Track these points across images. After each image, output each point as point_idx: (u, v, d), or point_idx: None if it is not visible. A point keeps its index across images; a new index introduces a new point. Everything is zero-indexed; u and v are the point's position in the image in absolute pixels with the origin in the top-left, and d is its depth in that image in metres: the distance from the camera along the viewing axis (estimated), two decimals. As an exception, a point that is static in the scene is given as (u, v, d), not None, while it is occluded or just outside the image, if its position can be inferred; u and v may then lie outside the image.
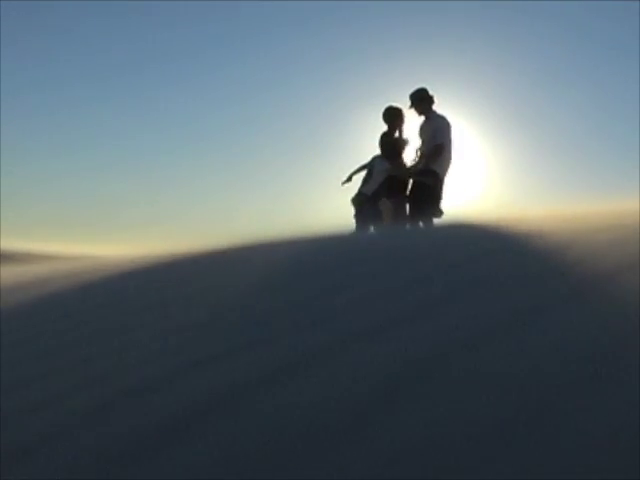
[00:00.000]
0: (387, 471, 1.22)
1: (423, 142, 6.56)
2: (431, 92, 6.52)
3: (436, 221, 6.40)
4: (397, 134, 6.67)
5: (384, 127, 6.73)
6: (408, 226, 6.20)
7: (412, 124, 6.69)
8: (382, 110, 6.70)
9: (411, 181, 6.48)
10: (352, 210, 6.73)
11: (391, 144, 6.60)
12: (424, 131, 6.58)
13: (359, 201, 6.60)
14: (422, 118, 6.61)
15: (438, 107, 6.58)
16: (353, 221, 6.69)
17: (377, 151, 6.81)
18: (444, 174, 6.35)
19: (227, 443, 1.44)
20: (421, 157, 6.48)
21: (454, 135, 6.48)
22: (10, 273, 6.78)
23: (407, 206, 6.43)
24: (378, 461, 1.24)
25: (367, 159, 6.89)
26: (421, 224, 6.23)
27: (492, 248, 2.98)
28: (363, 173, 6.82)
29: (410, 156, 6.60)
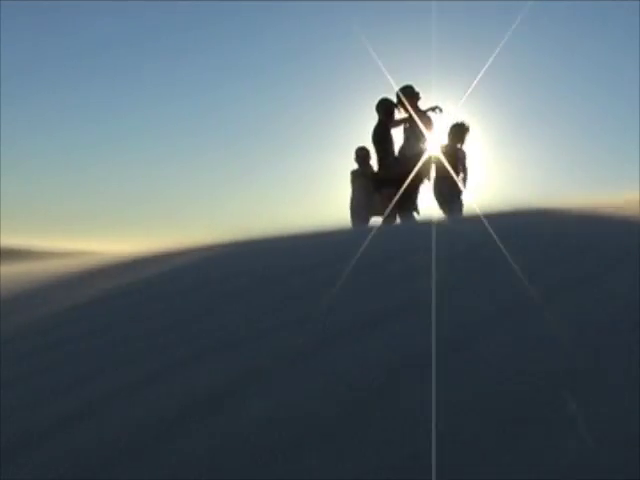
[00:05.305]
0: (376, 464, 1.23)
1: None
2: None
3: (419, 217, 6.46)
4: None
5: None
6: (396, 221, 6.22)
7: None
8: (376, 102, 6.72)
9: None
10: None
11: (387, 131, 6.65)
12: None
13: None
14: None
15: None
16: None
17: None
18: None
19: (212, 441, 1.46)
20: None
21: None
22: (9, 270, 6.79)
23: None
24: (368, 455, 1.26)
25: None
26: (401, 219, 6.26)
27: (482, 242, 3.00)
28: None
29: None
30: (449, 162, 6.40)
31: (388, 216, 6.15)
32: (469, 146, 6.66)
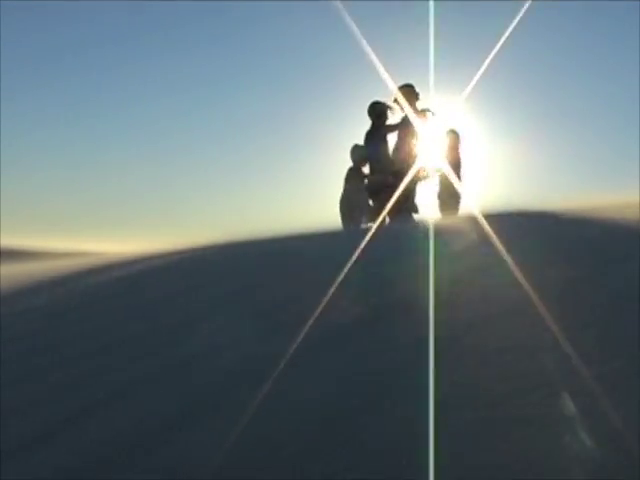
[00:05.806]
0: (374, 465, 1.23)
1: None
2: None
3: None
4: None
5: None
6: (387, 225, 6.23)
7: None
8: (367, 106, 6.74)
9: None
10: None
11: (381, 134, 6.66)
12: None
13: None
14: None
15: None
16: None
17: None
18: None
19: (213, 440, 1.46)
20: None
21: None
22: (9, 271, 6.79)
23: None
24: (366, 457, 1.26)
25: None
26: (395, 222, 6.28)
27: (482, 242, 3.00)
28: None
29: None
30: (450, 165, 6.43)
31: (386, 217, 6.15)
32: (465, 150, 6.71)
